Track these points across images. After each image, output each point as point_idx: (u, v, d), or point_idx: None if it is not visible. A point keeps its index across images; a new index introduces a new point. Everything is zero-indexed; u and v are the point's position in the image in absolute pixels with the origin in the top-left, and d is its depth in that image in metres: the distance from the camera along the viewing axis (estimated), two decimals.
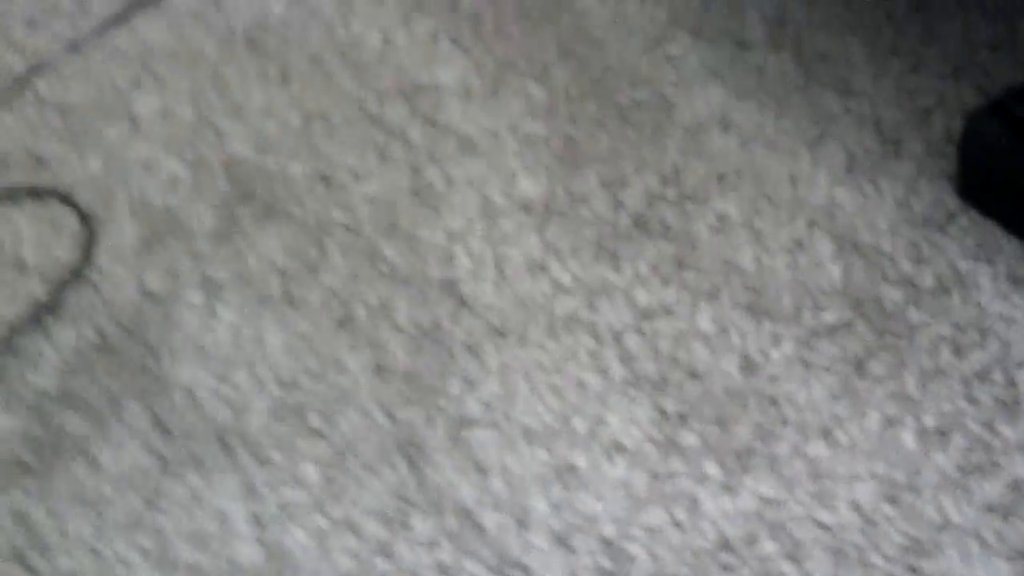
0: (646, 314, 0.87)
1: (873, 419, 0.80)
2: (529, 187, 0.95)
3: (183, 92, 1.03)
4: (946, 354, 0.83)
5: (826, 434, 0.80)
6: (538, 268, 0.90)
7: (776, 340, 0.85)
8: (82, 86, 1.04)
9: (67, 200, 0.95)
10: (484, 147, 0.98)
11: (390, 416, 0.83)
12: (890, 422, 0.80)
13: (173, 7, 1.11)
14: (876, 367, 0.83)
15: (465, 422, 0.82)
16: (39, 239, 0.93)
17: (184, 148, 0.99)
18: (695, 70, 1.03)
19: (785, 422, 0.81)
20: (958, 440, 0.78)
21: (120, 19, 1.10)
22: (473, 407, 0.83)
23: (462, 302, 0.89)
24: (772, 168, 0.96)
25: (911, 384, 0.82)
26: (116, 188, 0.96)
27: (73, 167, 0.98)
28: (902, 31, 1.05)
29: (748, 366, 0.84)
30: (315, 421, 0.83)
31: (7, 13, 1.11)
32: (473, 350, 0.86)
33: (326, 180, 0.97)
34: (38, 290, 0.90)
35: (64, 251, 0.92)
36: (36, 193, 0.96)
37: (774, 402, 0.82)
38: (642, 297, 0.88)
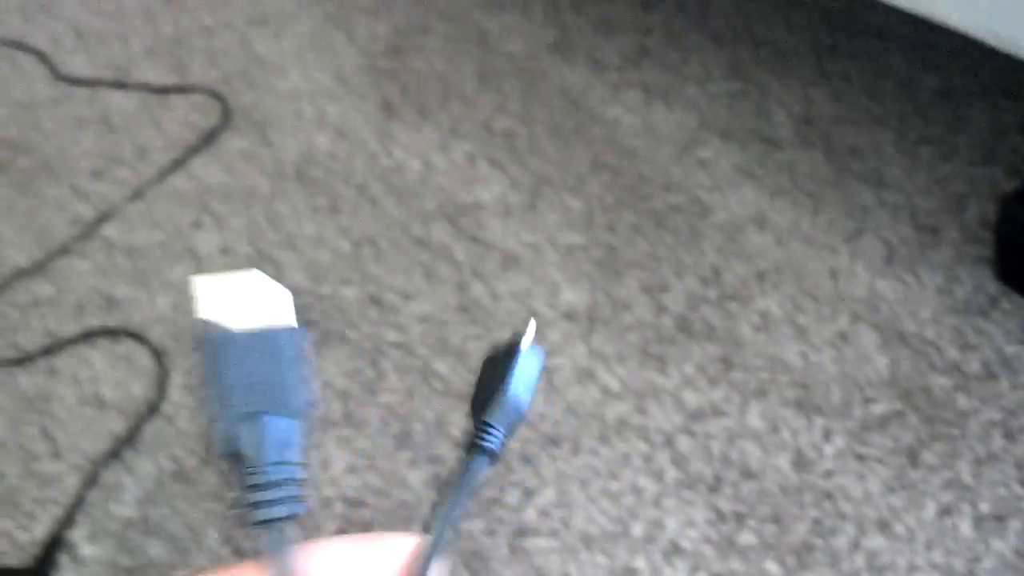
0: (696, 415, 0.88)
1: (929, 508, 0.80)
2: (572, 297, 0.98)
3: (240, 228, 1.08)
4: (998, 439, 0.84)
5: (883, 526, 0.80)
6: (586, 376, 0.92)
7: (827, 435, 0.86)
8: (147, 229, 1.09)
9: (140, 338, 0.99)
10: (526, 260, 1.01)
11: (451, 528, 0.85)
12: (946, 510, 0.80)
13: (226, 149, 1.17)
14: (929, 456, 0.83)
15: (525, 531, 0.84)
16: (115, 377, 0.97)
17: None
18: (727, 172, 1.06)
19: (842, 516, 0.81)
20: (1015, 524, 0.78)
21: (178, 164, 1.15)
22: (532, 516, 0.85)
23: None
24: (811, 264, 0.98)
25: (965, 471, 0.82)
26: (184, 324, 1.00)
27: (143, 306, 1.02)
28: (930, 120, 1.07)
29: (801, 462, 0.85)
30: None
31: (74, 166, 1.17)
32: (528, 460, 0.88)
33: (378, 302, 1.00)
34: (117, 425, 0.94)
35: (139, 387, 0.96)
36: (111, 333, 1.00)
37: (830, 497, 0.82)
38: (691, 399, 0.90)
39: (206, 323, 0.24)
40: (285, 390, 0.24)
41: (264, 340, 0.25)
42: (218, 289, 0.25)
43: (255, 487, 0.24)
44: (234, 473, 0.23)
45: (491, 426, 0.31)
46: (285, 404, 0.24)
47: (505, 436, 0.33)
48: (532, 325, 0.33)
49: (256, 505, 0.24)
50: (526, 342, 0.34)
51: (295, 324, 0.25)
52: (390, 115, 1.19)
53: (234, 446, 0.24)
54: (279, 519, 0.24)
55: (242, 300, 0.25)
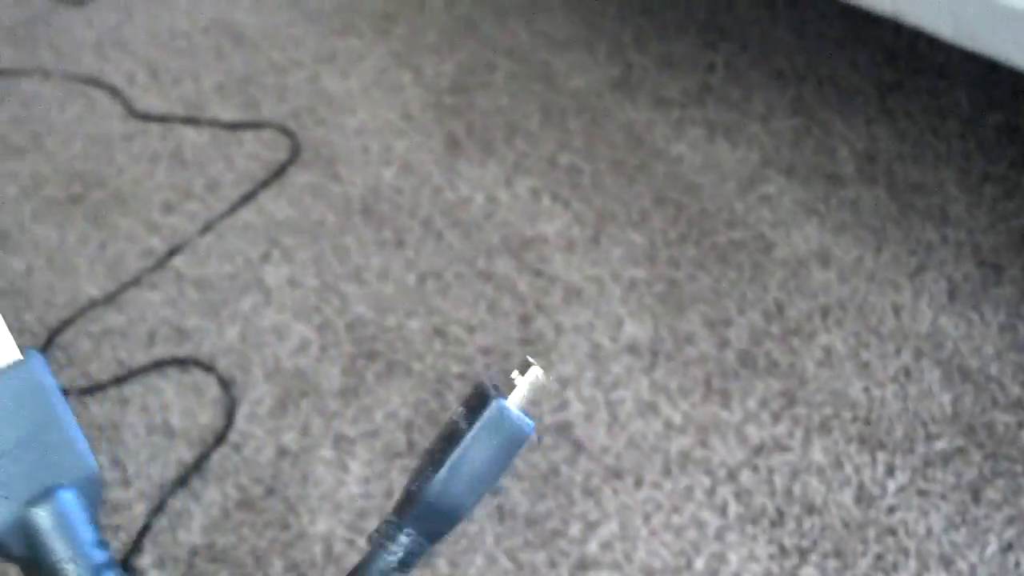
0: (759, 450, 0.89)
1: (992, 545, 0.80)
2: (635, 331, 0.99)
3: (308, 261, 1.10)
4: None
5: (947, 563, 0.80)
6: (649, 409, 0.93)
7: (890, 470, 0.86)
8: (217, 261, 1.12)
9: (208, 368, 1.02)
10: (589, 294, 1.03)
11: (514, 560, 0.86)
12: (1009, 546, 0.79)
13: (295, 183, 1.19)
14: (992, 492, 0.83)
15: (586, 564, 0.84)
16: (184, 406, 0.99)
17: (311, 313, 1.06)
18: (790, 208, 1.07)
19: (904, 552, 0.81)
20: None
21: (247, 198, 1.18)
22: (594, 549, 0.85)
23: (578, 446, 0.92)
24: (875, 300, 0.98)
25: None
26: (251, 354, 1.03)
27: (212, 337, 1.04)
28: (993, 157, 1.07)
29: (864, 498, 0.85)
30: (443, 568, 0.86)
31: (146, 200, 1.20)
32: (591, 493, 0.89)
33: (442, 334, 1.02)
34: (185, 453, 0.96)
35: (207, 416, 0.98)
36: (180, 363, 1.03)
37: (892, 532, 0.82)
38: (754, 433, 0.90)
39: None
40: (64, 443, 0.19)
41: (11, 383, 0.19)
42: None
43: None
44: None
45: (400, 529, 0.23)
46: (73, 462, 0.19)
47: (422, 544, 0.25)
48: (531, 375, 0.20)
49: None
50: (514, 399, 0.22)
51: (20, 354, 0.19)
52: (455, 151, 1.21)
53: (25, 546, 0.19)
54: None
55: None
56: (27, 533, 0.18)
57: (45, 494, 0.18)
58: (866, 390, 0.91)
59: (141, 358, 1.03)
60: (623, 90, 1.26)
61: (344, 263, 1.10)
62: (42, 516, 0.18)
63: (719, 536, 0.84)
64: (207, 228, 1.15)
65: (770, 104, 1.21)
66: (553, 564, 0.85)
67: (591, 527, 0.87)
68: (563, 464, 0.91)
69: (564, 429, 0.93)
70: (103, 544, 0.18)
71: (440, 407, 0.97)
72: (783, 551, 0.82)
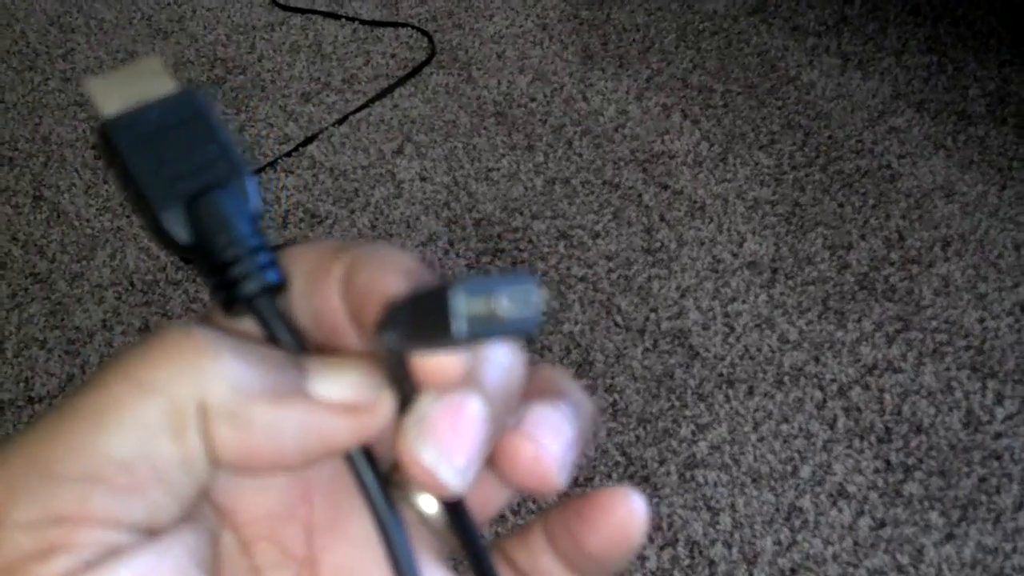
0: (871, 369, 0.92)
1: None
2: (756, 248, 1.02)
3: (439, 158, 1.15)
4: None
5: None
6: (766, 323, 0.96)
7: (999, 399, 0.88)
8: (351, 153, 1.16)
9: None
10: (714, 210, 1.05)
11: (625, 455, 0.90)
12: None
13: (431, 83, 1.23)
14: None
15: (695, 463, 0.88)
16: None
17: (440, 208, 1.10)
18: (918, 141, 1.08)
19: (1008, 476, 0.84)
20: None
21: (383, 93, 1.22)
22: (703, 450, 0.89)
23: (693, 353, 0.95)
24: (995, 235, 0.99)
25: None
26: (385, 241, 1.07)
27: (344, 223, 1.09)
28: None
29: (972, 422, 0.87)
30: None
31: (285, 89, 1.24)
32: (703, 397, 0.92)
33: (567, 238, 1.06)
34: None
35: None
36: None
37: (998, 457, 0.85)
38: (867, 353, 0.93)
39: (109, 118, 0.21)
40: (220, 154, 0.21)
41: (172, 109, 0.21)
42: (116, 84, 0.22)
43: (230, 264, 0.21)
44: (198, 262, 0.21)
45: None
46: (227, 169, 0.21)
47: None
48: None
49: (237, 282, 0.21)
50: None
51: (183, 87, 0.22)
52: (590, 63, 1.24)
53: (190, 234, 0.21)
54: (270, 287, 0.21)
55: (139, 86, 0.22)
56: (193, 221, 0.21)
57: (206, 190, 0.21)
58: (981, 320, 0.93)
59: (274, 239, 1.07)
60: (760, 15, 1.28)
61: (475, 163, 1.14)
62: (205, 205, 0.21)
63: (826, 448, 0.88)
64: (343, 120, 1.20)
65: (905, 39, 1.22)
66: (663, 461, 0.89)
67: (701, 429, 0.90)
68: (678, 368, 0.95)
69: (681, 336, 0.97)
70: (258, 232, 0.21)
71: (561, 306, 1.01)
72: (888, 466, 0.86)
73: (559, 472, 0.20)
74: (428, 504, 0.21)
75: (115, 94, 0.22)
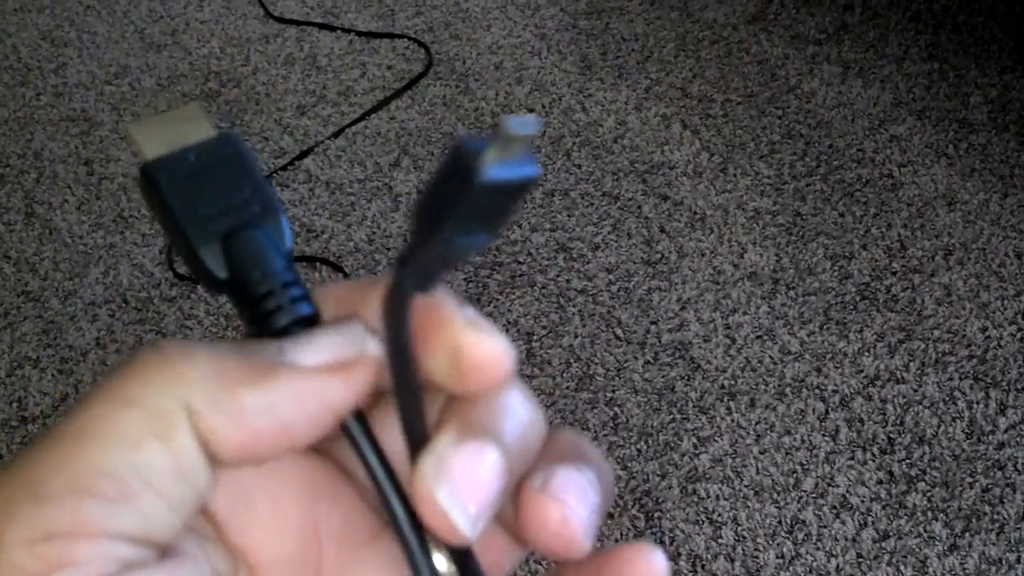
0: (873, 380, 0.91)
1: None
2: (757, 259, 1.01)
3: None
4: None
5: None
6: (767, 334, 0.95)
7: (1002, 408, 0.87)
8: (347, 166, 1.16)
9: (336, 267, 1.06)
10: (714, 221, 1.05)
11: (626, 469, 0.89)
12: None
13: (428, 95, 1.22)
14: None
15: (697, 477, 0.87)
16: None
17: None
18: (920, 149, 1.07)
19: (1012, 486, 0.83)
20: None
21: (380, 105, 1.22)
22: (705, 463, 0.88)
23: (694, 365, 0.94)
24: (997, 244, 0.99)
25: None
26: (379, 257, 1.07)
27: (340, 237, 1.08)
28: None
29: (975, 432, 0.86)
30: None
31: (280, 101, 1.24)
32: (705, 410, 0.92)
33: (566, 250, 1.05)
34: None
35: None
36: (308, 260, 1.07)
37: (1001, 467, 0.84)
38: (869, 364, 0.92)
39: (151, 160, 0.23)
40: (256, 194, 0.22)
41: (211, 151, 0.23)
42: (156, 128, 0.23)
43: (264, 297, 0.22)
44: (233, 296, 0.22)
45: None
46: (263, 208, 0.22)
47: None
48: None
49: (270, 313, 0.22)
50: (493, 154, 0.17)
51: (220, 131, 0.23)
52: (588, 73, 1.23)
53: (227, 270, 0.22)
54: (301, 319, 0.22)
55: (179, 130, 0.23)
56: (229, 257, 0.22)
57: (241, 227, 0.22)
58: (983, 330, 0.93)
59: None
60: (759, 24, 1.27)
61: None
62: (240, 242, 0.22)
63: (829, 459, 0.87)
64: (339, 132, 1.19)
65: (906, 47, 1.21)
66: (664, 475, 0.88)
67: (703, 442, 0.90)
68: (679, 381, 0.94)
69: (682, 348, 0.96)
70: (291, 267, 0.22)
71: (561, 320, 1.00)
72: (891, 477, 0.85)
73: (585, 536, 0.20)
74: (440, 563, 0.21)
75: (156, 138, 0.23)
